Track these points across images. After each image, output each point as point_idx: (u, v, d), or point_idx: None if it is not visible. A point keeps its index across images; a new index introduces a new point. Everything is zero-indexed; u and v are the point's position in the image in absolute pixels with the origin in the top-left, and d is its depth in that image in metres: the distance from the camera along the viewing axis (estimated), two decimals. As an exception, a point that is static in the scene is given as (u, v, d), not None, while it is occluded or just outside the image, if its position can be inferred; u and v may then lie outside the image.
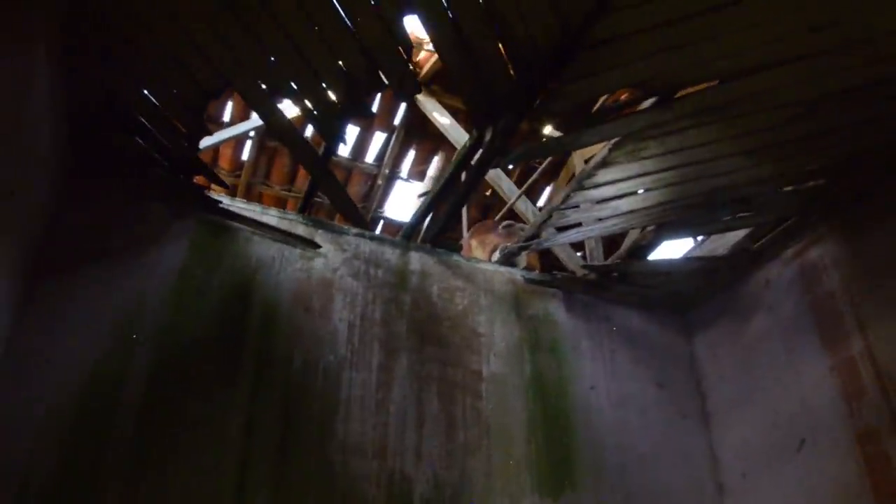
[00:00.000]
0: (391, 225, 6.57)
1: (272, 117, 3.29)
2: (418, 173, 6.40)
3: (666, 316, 4.22)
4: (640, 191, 3.57)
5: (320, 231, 3.71)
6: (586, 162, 4.40)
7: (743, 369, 3.73)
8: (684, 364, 4.08)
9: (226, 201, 3.57)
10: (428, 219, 4.08)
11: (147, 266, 3.23)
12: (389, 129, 6.08)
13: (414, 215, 4.04)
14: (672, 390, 3.96)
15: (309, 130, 5.28)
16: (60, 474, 2.68)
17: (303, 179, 6.30)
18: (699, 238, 4.38)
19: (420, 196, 6.01)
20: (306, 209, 4.18)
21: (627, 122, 3.20)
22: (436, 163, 6.30)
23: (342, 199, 3.89)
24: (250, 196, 6.22)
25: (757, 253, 3.85)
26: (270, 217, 3.64)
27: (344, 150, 6.14)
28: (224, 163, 6.24)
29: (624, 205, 3.64)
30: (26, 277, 2.89)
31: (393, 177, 6.36)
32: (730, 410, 3.78)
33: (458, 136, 5.05)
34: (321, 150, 3.71)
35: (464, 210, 5.46)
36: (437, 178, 6.10)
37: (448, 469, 3.25)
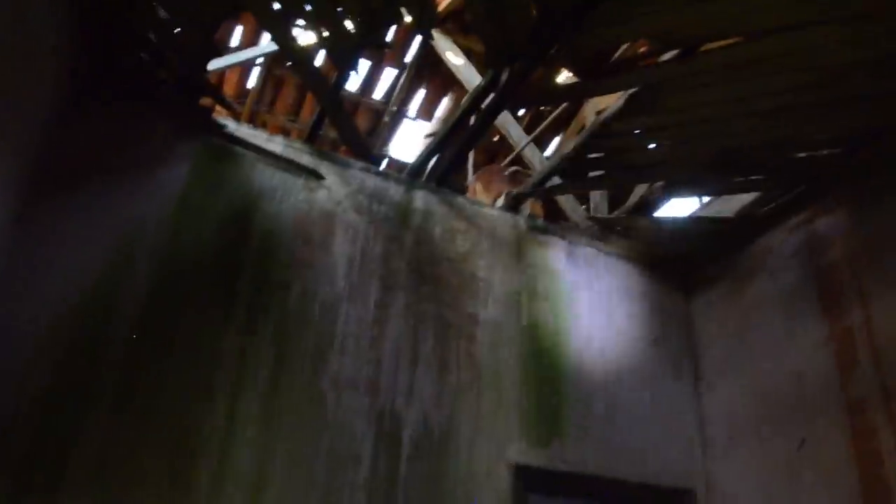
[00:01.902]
0: (395, 164, 6.52)
1: (284, 41, 3.16)
2: (426, 113, 6.30)
3: (666, 274, 4.20)
4: (652, 145, 3.52)
5: (325, 163, 3.64)
6: (598, 114, 4.27)
7: (739, 333, 3.73)
8: (680, 324, 4.08)
9: (231, 126, 3.49)
10: (434, 159, 4.02)
11: (149, 186, 3.17)
12: (400, 65, 5.94)
13: (421, 154, 3.99)
14: (666, 349, 3.96)
15: (319, 60, 5.13)
16: (56, 384, 2.68)
17: (308, 112, 6.21)
18: (706, 199, 4.35)
19: (427, 136, 5.90)
20: (312, 140, 4.09)
21: (646, 73, 3.11)
22: (445, 104, 6.20)
23: (350, 132, 3.83)
24: (254, 125, 6.08)
25: (763, 218, 3.81)
26: (275, 145, 3.57)
27: (351, 85, 6.05)
28: (229, 89, 6.12)
29: (635, 158, 3.60)
30: (25, 190, 2.80)
31: (400, 115, 6.26)
32: (722, 373, 3.79)
33: (471, 77, 4.94)
34: (332, 82, 3.63)
35: (470, 153, 5.38)
36: (445, 120, 6.01)
37: (438, 410, 3.27)
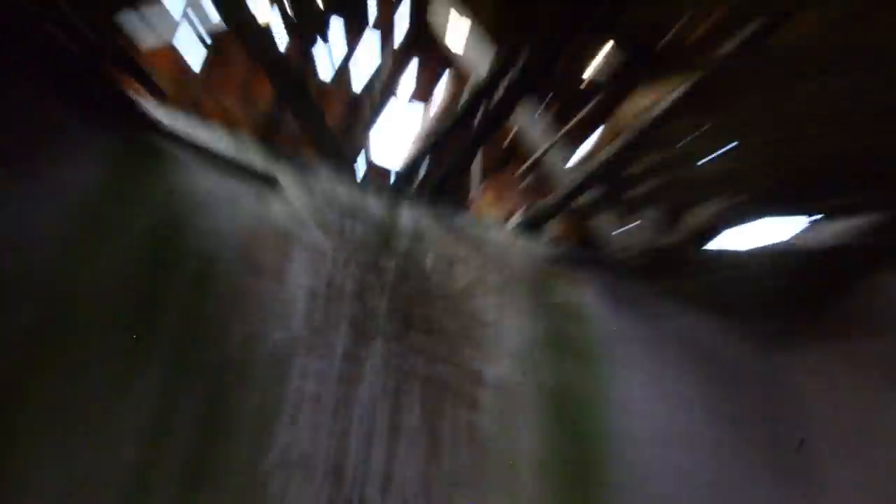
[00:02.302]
0: (377, 170, 6.62)
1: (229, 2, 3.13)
2: (419, 98, 6.41)
3: (742, 324, 4.22)
4: (719, 152, 3.64)
5: (282, 165, 3.68)
6: (644, 111, 4.36)
7: (853, 408, 3.73)
8: (766, 393, 4.06)
9: (160, 115, 3.51)
10: (427, 164, 4.17)
11: (45, 189, 3.11)
12: (386, 36, 5.99)
13: (410, 158, 4.12)
14: (747, 429, 3.92)
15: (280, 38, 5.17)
16: None
17: (264, 99, 6.21)
18: (798, 222, 4.38)
19: (419, 137, 6.01)
20: (267, 137, 4.21)
21: (712, 60, 3.15)
22: (442, 90, 6.29)
23: (318, 127, 3.90)
24: (192, 115, 6.09)
25: (877, 249, 3.82)
26: (219, 141, 3.59)
27: (322, 69, 6.13)
28: (162, 65, 6.06)
29: (694, 167, 3.74)
30: None
31: (384, 104, 6.31)
32: (836, 470, 3.76)
33: (478, 57, 4.94)
34: (295, 66, 3.79)
35: (476, 158, 5.44)
36: (443, 114, 6.11)
37: None
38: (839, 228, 3.91)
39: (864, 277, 3.89)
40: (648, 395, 3.85)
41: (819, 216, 4.00)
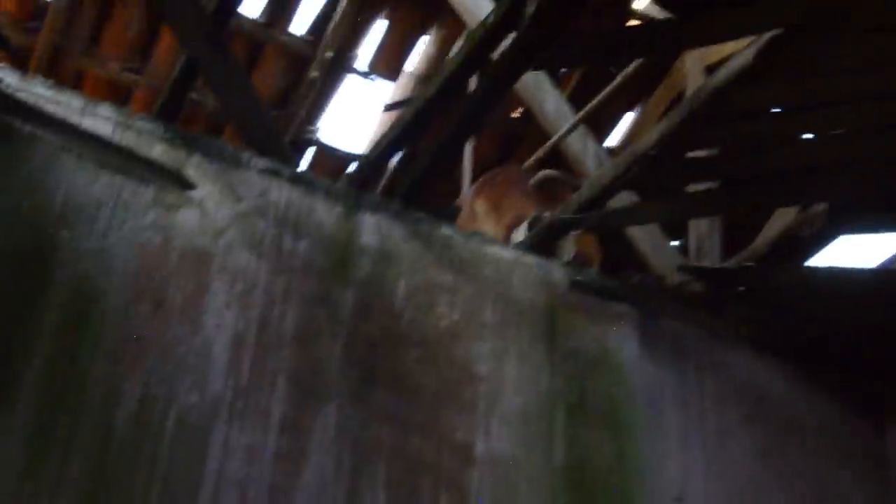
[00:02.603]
0: (331, 158, 6.62)
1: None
2: (388, 64, 6.41)
3: (838, 378, 4.23)
4: (808, 136, 3.60)
5: (196, 157, 3.63)
6: (709, 71, 4.41)
7: None
8: (870, 470, 4.08)
9: (10, 80, 3.46)
10: (399, 155, 4.17)
11: None
12: None
13: (375, 145, 4.04)
14: None
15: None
16: None
17: (164, 57, 6.19)
18: None
19: (389, 108, 6.06)
20: (171, 114, 4.11)
21: (798, 3, 3.15)
22: (423, 48, 6.32)
23: (245, 100, 3.86)
24: (60, 75, 6.10)
25: None
26: (100, 120, 3.54)
27: (250, 6, 6.18)
28: (9, 5, 6.03)
29: (773, 158, 3.67)
30: None
31: (340, 66, 6.33)
32: None
33: (473, 1, 5.06)
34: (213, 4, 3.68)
35: (467, 145, 5.45)
36: (422, 80, 6.14)
37: None
38: None
39: None
40: (706, 482, 3.84)
41: None
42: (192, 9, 3.54)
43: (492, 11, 3.43)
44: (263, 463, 3.23)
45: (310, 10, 6.28)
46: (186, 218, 3.50)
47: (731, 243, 4.61)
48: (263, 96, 6.10)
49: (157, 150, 3.56)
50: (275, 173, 3.74)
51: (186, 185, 3.54)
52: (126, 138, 3.52)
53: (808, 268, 4.21)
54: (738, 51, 3.46)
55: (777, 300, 4.11)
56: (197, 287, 3.41)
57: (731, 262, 4.27)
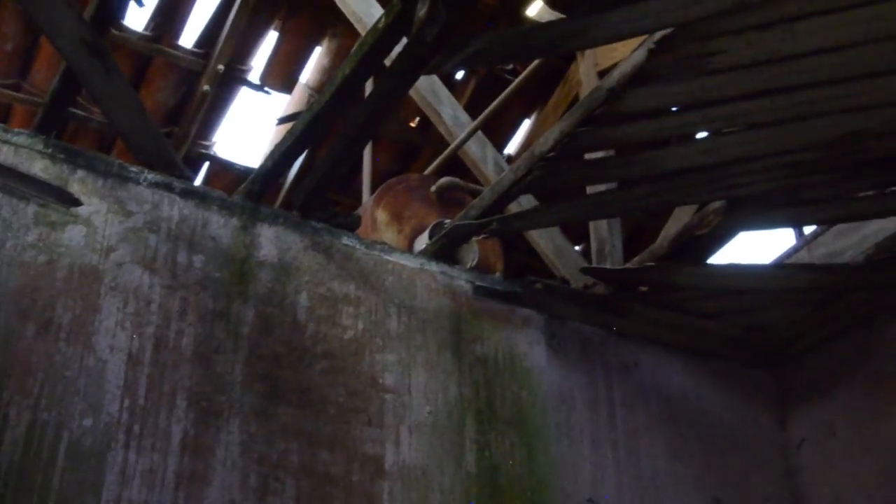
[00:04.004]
0: (228, 172, 6.57)
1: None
2: (282, 76, 6.42)
3: (740, 372, 4.29)
4: (702, 133, 3.63)
5: (81, 173, 3.54)
6: (602, 75, 4.46)
7: (892, 486, 3.74)
8: (773, 464, 4.14)
9: None
10: (297, 165, 4.21)
11: None
12: None
13: (269, 156, 4.02)
14: None
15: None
16: None
17: (45, 67, 6.08)
18: (807, 230, 4.48)
19: (283, 121, 5.98)
20: (53, 129, 3.98)
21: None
22: (316, 58, 6.33)
23: (130, 113, 3.76)
24: None
25: None
26: None
27: (137, 18, 6.10)
28: None
29: (669, 157, 3.67)
30: None
31: (232, 78, 6.30)
32: None
33: (364, 7, 5.05)
34: (90, 12, 3.57)
35: (366, 152, 5.44)
36: (317, 91, 6.10)
37: None
38: (863, 236, 4.01)
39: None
40: (615, 480, 3.84)
41: (836, 221, 4.09)
42: (69, 16, 3.40)
43: (382, 15, 3.39)
44: (165, 486, 3.15)
45: (199, 22, 6.17)
46: (73, 235, 3.41)
47: (633, 245, 4.69)
48: (154, 112, 6.03)
49: (39, 166, 3.46)
50: (166, 187, 3.66)
51: (72, 201, 3.44)
52: (4, 154, 3.41)
53: (707, 265, 4.22)
54: (630, 54, 3.46)
55: (679, 299, 4.13)
56: (87, 307, 3.32)
57: (632, 263, 4.26)
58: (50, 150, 3.52)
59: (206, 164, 6.48)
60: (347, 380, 3.60)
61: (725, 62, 3.28)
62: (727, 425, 4.16)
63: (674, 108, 3.53)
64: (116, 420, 3.18)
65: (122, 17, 3.64)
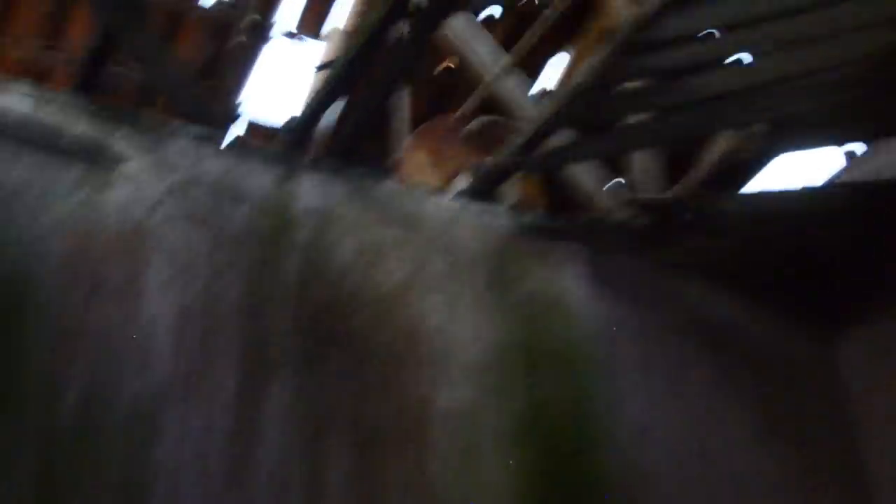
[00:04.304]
0: (261, 130, 6.60)
1: None
2: (315, 23, 6.43)
3: (787, 300, 4.26)
4: (743, 56, 3.71)
5: (122, 131, 3.55)
6: (637, 1, 4.39)
7: None
8: (825, 400, 4.14)
9: None
10: (332, 114, 4.16)
11: None
12: None
13: (306, 105, 4.03)
14: (802, 449, 4.01)
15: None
16: None
17: (82, 29, 6.05)
18: (856, 149, 4.49)
19: (322, 68, 5.99)
20: (93, 87, 4.03)
21: None
22: (351, 4, 6.28)
23: (167, 70, 3.84)
24: None
25: None
26: (17, 97, 3.46)
27: None
28: None
29: (709, 83, 3.67)
30: None
31: (266, 28, 6.25)
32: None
33: None
34: None
35: (403, 96, 5.42)
36: (348, 36, 6.09)
37: None
38: None
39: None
40: (665, 411, 3.85)
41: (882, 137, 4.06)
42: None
43: None
44: (219, 442, 3.18)
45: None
46: (118, 194, 3.41)
47: (676, 175, 4.65)
48: (192, 63, 6.08)
49: (82, 126, 3.48)
50: (208, 140, 3.67)
51: (116, 159, 3.46)
52: (47, 114, 3.44)
53: (751, 193, 4.21)
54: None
55: (724, 226, 4.12)
56: (135, 265, 3.33)
57: (674, 192, 4.31)
58: (91, 110, 3.53)
59: (244, 117, 6.51)
60: (395, 324, 3.61)
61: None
62: (777, 353, 4.16)
63: (711, 32, 3.54)
64: (170, 379, 3.20)
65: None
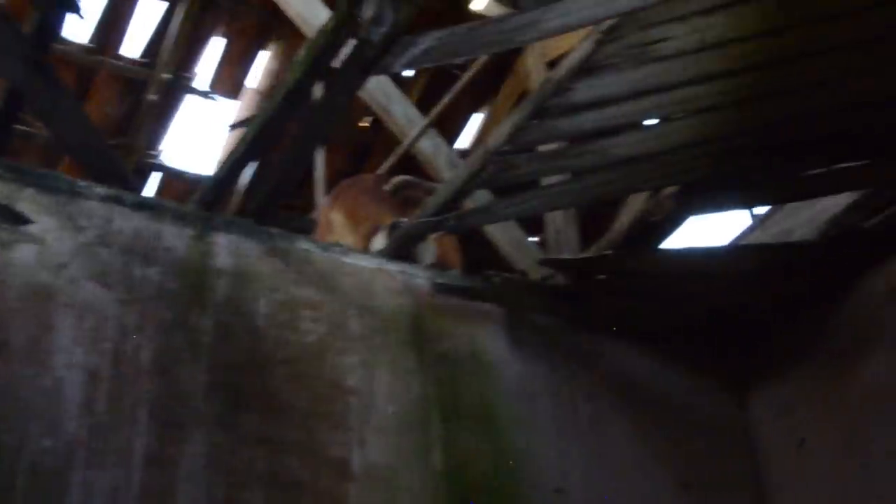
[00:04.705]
0: (179, 181, 6.57)
1: None
2: (230, 82, 6.43)
3: (700, 356, 4.31)
4: (651, 121, 3.68)
5: (29, 190, 3.49)
6: (550, 66, 4.49)
7: (850, 465, 3.77)
8: (734, 448, 4.15)
9: None
10: (250, 172, 4.19)
11: None
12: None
13: (222, 164, 4.00)
14: (710, 497, 3.99)
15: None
16: None
17: None
18: (759, 211, 4.51)
19: (235, 127, 6.06)
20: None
21: None
22: (264, 62, 6.34)
23: (77, 128, 3.76)
24: None
25: (872, 238, 3.92)
26: None
27: (77, 31, 6.13)
28: None
29: (621, 146, 3.68)
30: None
31: (179, 86, 6.28)
32: None
33: (308, 9, 5.10)
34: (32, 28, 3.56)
35: (319, 155, 5.40)
36: (266, 96, 6.09)
37: None
38: (815, 214, 4.01)
39: (859, 273, 3.95)
40: (583, 468, 3.84)
41: (788, 200, 4.10)
42: (9, 33, 3.37)
43: (330, 18, 3.40)
44: (129, 502, 3.11)
45: (142, 31, 6.19)
46: (23, 254, 3.35)
47: (589, 235, 4.66)
48: (101, 124, 5.99)
49: None
50: (117, 200, 3.61)
51: (21, 220, 3.39)
52: None
53: (662, 251, 4.27)
54: (577, 45, 3.49)
55: (637, 286, 4.13)
56: (41, 326, 3.27)
57: (589, 252, 4.30)
58: (-1, 169, 3.52)
59: (158, 175, 6.45)
60: (311, 384, 3.57)
61: (671, 49, 3.31)
62: (690, 409, 4.17)
63: (622, 97, 3.53)
64: (76, 438, 3.13)
65: (63, 30, 3.63)
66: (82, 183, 3.60)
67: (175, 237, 3.63)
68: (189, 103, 6.38)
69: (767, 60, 3.32)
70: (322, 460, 3.44)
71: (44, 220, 3.42)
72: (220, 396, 3.40)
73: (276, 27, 5.99)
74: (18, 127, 5.75)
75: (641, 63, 3.37)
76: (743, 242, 4.39)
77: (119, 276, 3.46)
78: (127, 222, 3.58)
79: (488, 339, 3.98)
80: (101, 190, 3.60)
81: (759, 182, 3.85)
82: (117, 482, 3.12)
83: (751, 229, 4.45)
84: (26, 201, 3.43)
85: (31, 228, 3.38)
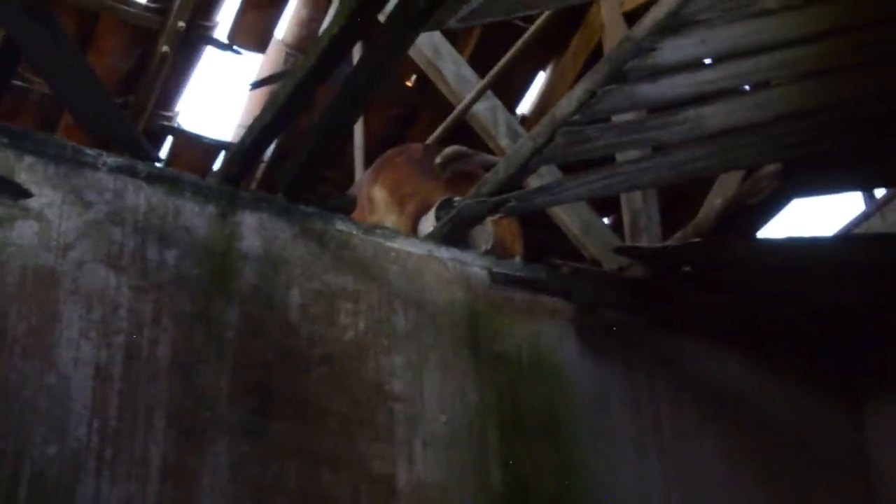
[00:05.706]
0: (194, 147, 6.56)
1: None
2: (253, 32, 6.40)
3: (802, 363, 4.29)
4: (748, 87, 3.68)
5: (29, 159, 3.51)
6: (629, 19, 4.50)
7: None
8: (846, 468, 4.14)
9: None
10: (277, 143, 4.09)
11: None
12: None
13: (248, 131, 4.00)
14: None
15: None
16: None
17: None
18: (876, 194, 4.53)
19: (256, 86, 6.05)
20: None
21: None
22: (292, 9, 6.31)
23: (81, 85, 3.78)
24: None
25: None
26: None
27: None
28: None
29: (713, 116, 3.68)
30: None
31: (196, 36, 6.27)
32: None
33: None
34: None
35: (358, 124, 5.46)
36: (295, 49, 6.12)
37: None
38: None
39: None
40: (663, 490, 3.85)
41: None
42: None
43: None
44: None
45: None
46: (23, 233, 3.37)
47: (673, 218, 4.67)
48: (106, 80, 5.89)
49: None
50: (129, 171, 3.63)
51: (20, 192, 3.42)
52: None
53: (759, 240, 4.23)
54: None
55: (729, 280, 4.14)
56: (44, 315, 3.29)
57: (673, 240, 4.24)
58: (-8, 131, 3.51)
59: (170, 139, 6.45)
60: (350, 387, 3.59)
61: (774, 2, 3.28)
62: (790, 426, 4.16)
63: (716, 59, 3.53)
64: (85, 445, 3.15)
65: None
66: (89, 151, 3.61)
67: (195, 215, 3.65)
68: (207, 57, 6.40)
69: (888, 15, 3.28)
70: (361, 476, 3.46)
71: (45, 194, 3.44)
72: (245, 400, 3.43)
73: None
74: (13, 82, 5.81)
75: (739, 18, 3.35)
76: (855, 231, 4.36)
77: (132, 260, 3.48)
78: (141, 197, 3.59)
79: (555, 339, 3.99)
80: (111, 159, 3.61)
81: (877, 160, 3.82)
82: (131, 496, 3.14)
83: (865, 216, 4.43)
84: (26, 171, 3.44)
85: (31, 203, 3.41)
